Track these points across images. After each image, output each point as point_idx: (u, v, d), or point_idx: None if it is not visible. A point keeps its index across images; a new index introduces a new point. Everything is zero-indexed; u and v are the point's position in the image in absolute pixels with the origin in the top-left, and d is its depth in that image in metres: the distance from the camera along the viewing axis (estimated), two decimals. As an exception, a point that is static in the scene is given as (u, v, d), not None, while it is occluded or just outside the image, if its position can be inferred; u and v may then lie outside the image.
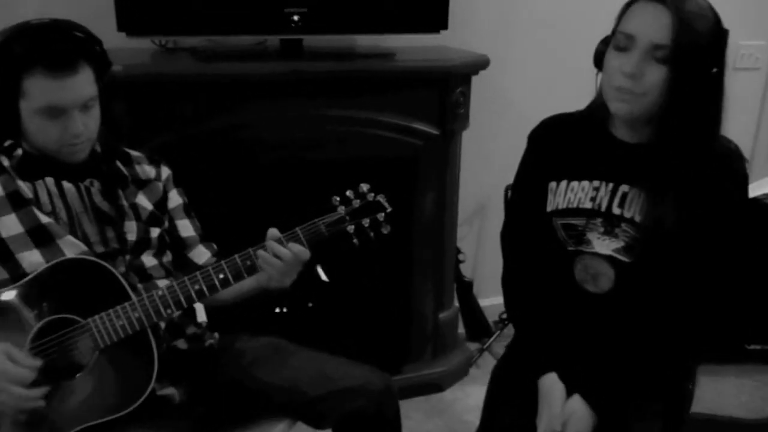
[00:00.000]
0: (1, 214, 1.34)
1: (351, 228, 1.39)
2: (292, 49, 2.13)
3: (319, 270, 2.44)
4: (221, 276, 1.34)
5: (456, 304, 2.61)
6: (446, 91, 2.21)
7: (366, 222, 1.39)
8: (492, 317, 2.76)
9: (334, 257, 2.37)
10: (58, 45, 1.29)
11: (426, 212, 2.33)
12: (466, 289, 2.69)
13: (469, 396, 2.46)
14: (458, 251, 2.62)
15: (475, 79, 2.29)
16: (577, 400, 1.32)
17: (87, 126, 1.35)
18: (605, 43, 1.30)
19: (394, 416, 1.56)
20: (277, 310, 2.43)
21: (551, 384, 1.34)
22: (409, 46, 2.30)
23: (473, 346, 2.70)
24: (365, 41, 2.37)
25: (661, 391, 1.36)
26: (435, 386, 2.48)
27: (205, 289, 1.34)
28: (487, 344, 2.68)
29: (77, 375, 1.30)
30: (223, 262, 1.35)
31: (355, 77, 2.12)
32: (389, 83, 2.16)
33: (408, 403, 2.41)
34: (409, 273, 2.38)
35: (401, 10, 2.14)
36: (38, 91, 1.29)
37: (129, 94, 1.89)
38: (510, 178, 2.60)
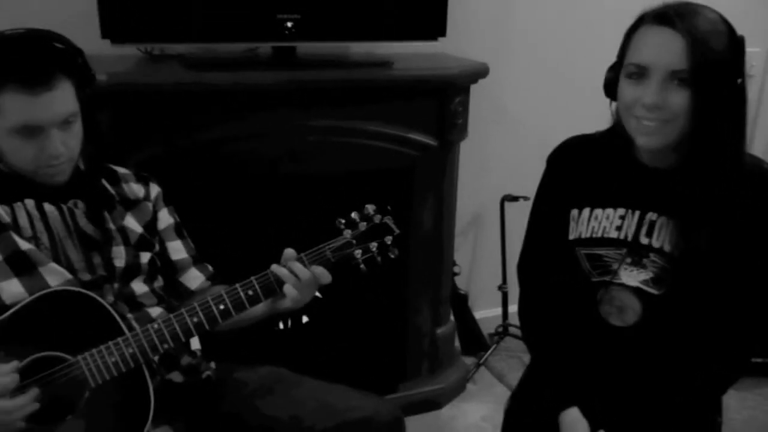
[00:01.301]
0: None
1: (358, 253, 1.31)
2: (284, 56, 2.03)
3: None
4: (221, 307, 1.25)
5: (452, 318, 2.54)
6: (445, 100, 2.12)
7: (374, 246, 1.32)
8: (487, 330, 2.69)
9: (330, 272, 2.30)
10: (33, 58, 1.19)
11: (423, 225, 2.25)
12: (461, 302, 2.62)
13: (467, 413, 2.38)
14: (453, 263, 2.54)
15: (473, 88, 2.22)
16: None
17: (67, 145, 1.24)
18: (614, 70, 1.23)
19: (403, 449, 1.48)
20: (281, 326, 2.34)
21: (574, 420, 1.27)
22: (406, 53, 2.22)
23: (469, 361, 2.63)
24: (361, 48, 2.28)
25: (690, 427, 1.30)
26: (433, 404, 2.40)
27: (204, 321, 1.25)
28: (484, 358, 2.61)
29: (66, 417, 1.20)
30: (223, 291, 1.26)
31: (350, 86, 2.02)
32: (386, 93, 2.07)
33: (406, 422, 2.32)
34: (405, 287, 2.30)
35: (398, 16, 2.06)
36: (12, 108, 1.18)
37: (113, 105, 1.78)
38: (507, 189, 2.58)
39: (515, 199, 2.52)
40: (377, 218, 1.34)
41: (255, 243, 1.92)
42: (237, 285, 1.26)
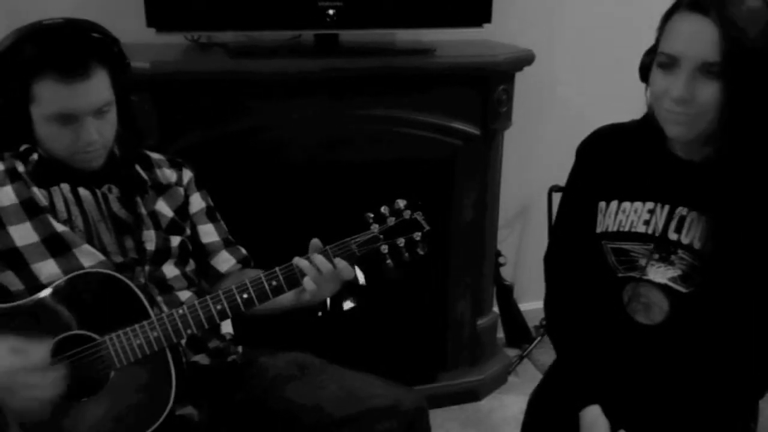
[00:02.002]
0: (16, 223, 1.28)
1: (385, 248, 1.29)
2: (327, 44, 2.04)
3: (358, 272, 2.36)
4: (245, 296, 1.26)
5: (495, 309, 2.51)
6: (488, 88, 2.09)
7: (401, 242, 1.29)
8: (533, 322, 2.65)
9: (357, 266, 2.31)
10: (70, 48, 1.22)
11: (464, 215, 2.23)
12: (506, 293, 2.59)
13: (507, 406, 2.36)
14: (499, 254, 2.51)
15: (518, 75, 2.17)
16: None
17: (102, 133, 1.28)
18: (650, 54, 1.18)
19: (425, 438, 1.48)
20: (320, 313, 2.37)
21: (594, 418, 1.24)
22: (452, 40, 2.19)
23: (512, 352, 2.60)
24: (405, 35, 2.26)
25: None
26: (472, 395, 2.38)
27: (227, 309, 1.26)
28: (527, 351, 2.58)
29: (92, 395, 1.25)
30: (247, 280, 1.27)
31: (391, 74, 2.01)
32: (428, 80, 2.06)
33: (443, 413, 2.32)
34: (445, 277, 2.28)
35: (442, 3, 2.03)
36: (49, 96, 1.22)
37: (156, 92, 1.82)
38: (554, 179, 2.51)
39: (563, 189, 2.45)
40: (407, 214, 1.30)
41: (291, 231, 1.93)
42: (261, 275, 1.27)
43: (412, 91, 2.05)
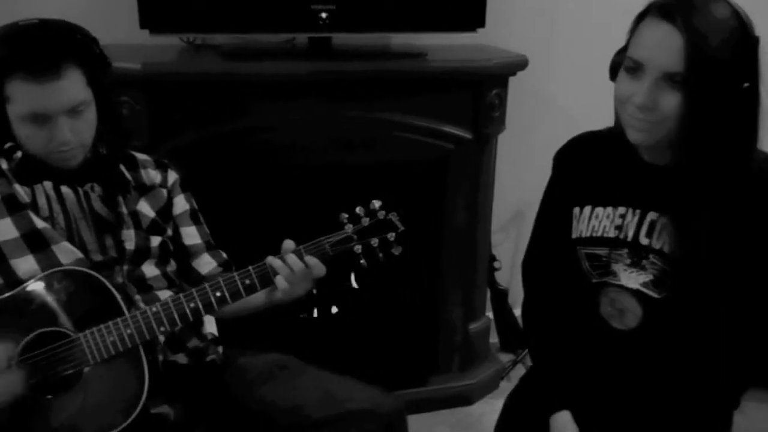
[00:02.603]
0: None
1: (358, 248, 1.30)
2: (320, 47, 2.05)
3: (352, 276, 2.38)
4: (218, 294, 1.28)
5: (488, 314, 2.50)
6: (480, 93, 2.09)
7: (374, 242, 1.31)
8: (527, 327, 2.63)
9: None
10: (40, 48, 1.23)
11: (457, 218, 2.23)
12: (501, 297, 2.59)
13: (498, 411, 2.34)
14: (493, 258, 2.51)
15: (514, 80, 2.17)
16: None
17: (76, 132, 1.29)
18: (620, 54, 1.17)
19: (403, 442, 1.48)
20: (303, 315, 2.38)
21: (564, 424, 1.24)
22: (446, 44, 2.20)
23: (506, 357, 2.59)
24: (400, 39, 2.27)
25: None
26: (463, 399, 2.38)
27: (201, 306, 1.28)
28: (521, 356, 2.57)
29: (66, 391, 1.26)
30: (221, 279, 1.29)
31: (383, 78, 2.02)
32: (420, 84, 2.06)
33: (434, 416, 2.32)
34: (437, 280, 2.29)
35: (436, 7, 2.03)
36: (21, 96, 1.24)
37: (147, 93, 1.85)
38: (550, 184, 2.51)
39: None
40: (381, 214, 1.32)
41: (279, 231, 1.94)
42: (235, 273, 1.29)
43: (404, 95, 2.06)
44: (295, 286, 1.30)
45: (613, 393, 1.27)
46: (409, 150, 2.10)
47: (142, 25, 1.87)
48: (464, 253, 2.28)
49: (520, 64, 2.12)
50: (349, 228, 1.30)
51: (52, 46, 1.25)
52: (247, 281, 1.28)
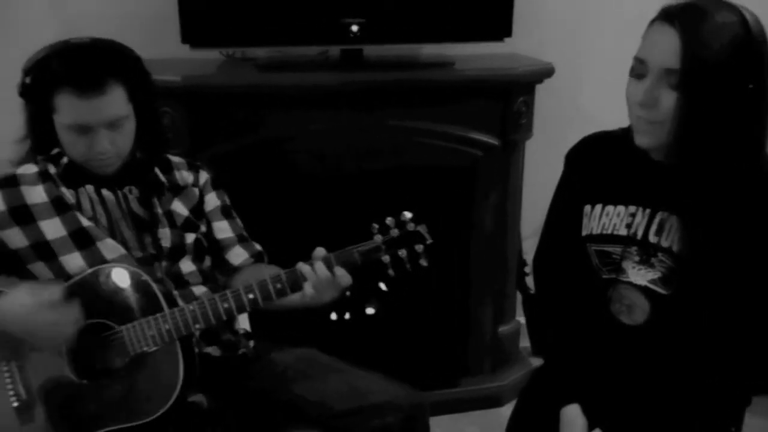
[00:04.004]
0: (46, 218, 1.42)
1: (386, 258, 1.34)
2: (351, 59, 2.13)
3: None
4: (250, 296, 1.35)
5: (518, 318, 2.54)
6: (508, 100, 2.15)
7: (403, 253, 1.34)
8: (559, 332, 2.65)
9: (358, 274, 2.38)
10: (87, 65, 1.34)
11: (486, 222, 2.28)
12: (532, 302, 2.61)
13: (528, 413, 2.38)
14: (524, 264, 2.55)
15: (544, 87, 2.22)
16: None
17: (115, 143, 1.40)
18: None
19: (424, 435, 1.53)
20: (334, 316, 2.45)
21: (573, 416, 1.28)
22: (475, 53, 2.25)
23: (537, 362, 2.61)
24: (430, 50, 2.34)
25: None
26: (493, 400, 2.42)
27: (234, 308, 1.35)
28: (553, 360, 2.59)
29: (109, 379, 1.36)
30: (253, 282, 1.36)
31: (412, 87, 2.10)
32: (448, 93, 2.13)
33: (464, 417, 2.37)
34: (467, 285, 2.34)
35: (463, 18, 2.10)
36: (67, 108, 1.35)
37: (187, 104, 1.96)
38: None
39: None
40: (410, 226, 1.34)
41: (313, 236, 2.03)
42: (267, 278, 1.36)
43: (432, 103, 2.13)
44: (322, 293, 1.35)
45: (622, 387, 1.30)
46: (437, 157, 2.16)
47: (184, 40, 1.99)
48: (493, 257, 2.33)
49: (547, 72, 2.16)
50: (378, 238, 1.34)
51: (98, 65, 1.36)
52: (279, 285, 1.35)
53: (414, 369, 2.28)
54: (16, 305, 1.29)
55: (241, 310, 1.37)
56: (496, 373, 2.44)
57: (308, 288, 1.35)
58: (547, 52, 2.27)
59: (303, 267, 1.36)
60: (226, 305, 1.36)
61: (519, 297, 2.57)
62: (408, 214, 1.36)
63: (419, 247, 1.34)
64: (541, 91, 2.24)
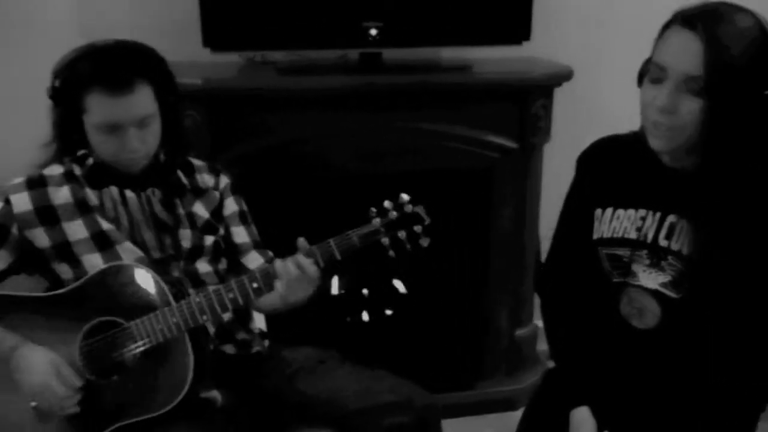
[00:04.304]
0: (70, 219, 1.45)
1: (386, 240, 1.37)
2: (370, 62, 2.15)
3: (397, 283, 2.46)
4: (254, 285, 1.37)
5: (535, 321, 2.54)
6: (525, 103, 2.15)
7: (402, 234, 1.37)
8: (578, 336, 2.65)
9: (413, 269, 2.40)
10: (116, 65, 1.38)
11: (503, 225, 2.29)
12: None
13: (545, 417, 2.38)
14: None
15: (565, 90, 2.22)
16: None
17: (144, 141, 1.43)
18: (648, 63, 1.22)
19: (435, 434, 1.55)
20: (348, 319, 2.47)
21: (582, 418, 1.28)
22: (494, 57, 2.26)
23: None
24: (449, 53, 2.35)
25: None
26: (509, 404, 2.42)
27: (239, 297, 1.38)
28: (571, 364, 2.58)
29: (120, 374, 1.39)
30: (256, 270, 1.39)
31: (430, 90, 2.11)
32: (466, 96, 2.14)
33: (480, 420, 2.37)
34: (484, 287, 2.34)
35: (481, 21, 2.11)
36: (97, 108, 1.38)
37: (209, 107, 1.99)
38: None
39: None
40: (408, 207, 1.37)
41: (328, 235, 2.06)
42: (267, 266, 1.39)
43: (451, 106, 2.14)
44: (289, 288, 1.36)
45: (632, 391, 1.30)
46: (455, 160, 2.17)
47: (205, 44, 2.02)
48: (511, 260, 2.33)
49: (565, 75, 2.16)
50: (377, 221, 1.37)
51: (126, 64, 1.39)
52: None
53: (430, 371, 2.29)
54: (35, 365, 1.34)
55: (245, 299, 1.39)
56: (513, 377, 2.43)
57: (276, 284, 1.36)
58: (567, 56, 2.26)
59: (278, 262, 1.38)
60: (231, 295, 1.38)
61: (537, 300, 2.56)
62: (405, 197, 1.39)
63: (418, 228, 1.37)
64: (561, 94, 2.24)
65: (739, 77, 1.10)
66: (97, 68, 1.38)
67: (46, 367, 1.33)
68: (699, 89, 1.11)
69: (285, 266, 1.36)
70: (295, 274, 1.35)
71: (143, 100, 1.41)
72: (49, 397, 1.33)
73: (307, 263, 1.36)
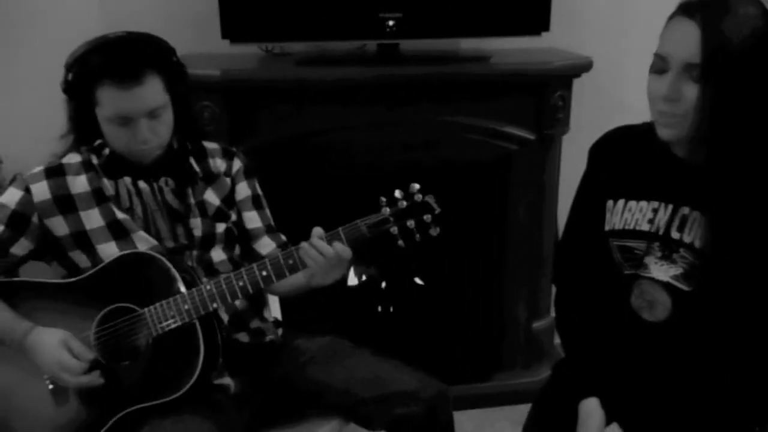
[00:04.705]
0: (87, 208, 1.48)
1: (395, 229, 1.36)
2: (388, 53, 2.16)
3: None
4: (264, 273, 1.39)
5: (553, 314, 2.52)
6: (543, 94, 2.14)
7: (411, 224, 1.36)
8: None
9: (430, 261, 2.40)
10: (126, 58, 1.40)
11: (520, 217, 2.28)
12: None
13: (562, 410, 2.37)
14: (561, 259, 2.53)
15: (584, 81, 2.20)
16: (614, 429, 1.25)
17: (155, 132, 1.45)
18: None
19: (446, 424, 1.55)
20: (379, 309, 2.48)
21: (591, 410, 1.28)
22: (513, 48, 2.25)
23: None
24: (467, 44, 2.34)
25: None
26: (526, 396, 2.39)
27: (248, 285, 1.39)
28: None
29: (134, 359, 1.41)
30: (266, 259, 1.40)
31: (447, 81, 2.11)
32: (484, 87, 2.13)
33: (496, 412, 2.37)
34: (501, 279, 2.34)
35: (500, 12, 2.10)
36: (108, 100, 1.40)
37: (227, 98, 2.01)
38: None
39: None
40: (418, 197, 1.36)
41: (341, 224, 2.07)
42: (279, 254, 1.40)
43: (469, 97, 2.13)
44: (324, 268, 1.38)
45: (642, 383, 1.29)
46: (472, 150, 2.17)
47: (224, 36, 2.04)
48: (528, 252, 2.32)
49: (584, 66, 2.15)
50: (386, 210, 1.36)
51: (135, 56, 1.41)
52: (290, 261, 1.39)
53: (447, 362, 2.30)
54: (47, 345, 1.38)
55: (255, 287, 1.40)
56: (530, 369, 2.43)
57: (312, 264, 1.37)
58: (586, 47, 2.24)
59: (305, 244, 1.39)
60: (240, 283, 1.40)
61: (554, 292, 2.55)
62: (416, 186, 1.38)
63: (428, 217, 1.36)
64: (579, 85, 2.22)
65: (738, 64, 1.09)
66: (107, 61, 1.40)
67: (56, 343, 1.37)
68: (699, 76, 1.11)
69: (312, 248, 1.36)
70: (331, 254, 1.36)
71: (153, 92, 1.43)
72: (62, 371, 1.36)
73: (342, 247, 1.37)
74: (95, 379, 1.39)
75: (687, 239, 1.23)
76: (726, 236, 1.17)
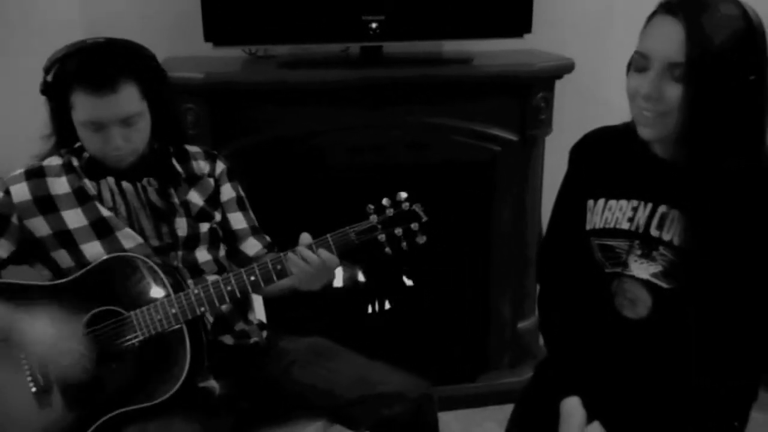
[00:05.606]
0: (68, 208, 1.48)
1: (382, 237, 1.39)
2: (371, 56, 2.16)
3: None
4: (252, 278, 1.40)
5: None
6: (526, 96, 2.16)
7: (398, 231, 1.39)
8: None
9: (417, 261, 2.40)
10: (100, 66, 1.40)
11: (505, 217, 2.29)
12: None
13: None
14: (545, 259, 2.54)
15: (566, 83, 2.22)
16: (595, 427, 1.26)
17: (128, 139, 1.44)
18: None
19: (431, 425, 1.56)
20: (369, 310, 2.49)
21: (572, 408, 1.29)
22: (495, 50, 2.26)
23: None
24: (450, 46, 2.35)
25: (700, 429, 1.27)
26: (511, 396, 2.40)
27: (236, 290, 1.40)
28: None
29: (121, 362, 1.41)
30: (255, 264, 1.41)
31: (430, 83, 2.12)
32: (467, 89, 2.15)
33: (482, 412, 2.38)
34: (486, 280, 2.35)
35: (482, 14, 2.11)
36: (81, 105, 1.40)
37: (211, 101, 2.01)
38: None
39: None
40: (405, 205, 1.39)
41: (328, 228, 2.07)
42: (268, 260, 1.40)
43: (452, 99, 2.14)
44: (307, 275, 1.40)
45: (624, 381, 1.30)
46: (456, 152, 2.18)
47: (207, 38, 2.04)
48: (513, 251, 2.33)
49: (566, 68, 2.16)
50: (374, 218, 1.38)
51: (110, 64, 1.41)
52: (279, 266, 1.40)
53: (433, 363, 2.31)
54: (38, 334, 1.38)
55: (243, 292, 1.41)
56: (515, 369, 2.44)
57: (297, 271, 1.39)
58: (568, 48, 2.26)
59: (292, 252, 1.40)
60: (229, 288, 1.40)
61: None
62: (403, 194, 1.41)
63: (415, 225, 1.39)
64: (562, 86, 2.24)
65: (720, 64, 1.11)
66: (81, 67, 1.40)
67: (47, 331, 1.37)
68: (681, 75, 1.12)
69: (298, 257, 1.38)
70: (317, 262, 1.37)
71: (127, 100, 1.42)
72: (56, 356, 1.37)
73: (328, 255, 1.38)
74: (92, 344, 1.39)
75: (666, 237, 1.24)
76: (704, 234, 1.18)
